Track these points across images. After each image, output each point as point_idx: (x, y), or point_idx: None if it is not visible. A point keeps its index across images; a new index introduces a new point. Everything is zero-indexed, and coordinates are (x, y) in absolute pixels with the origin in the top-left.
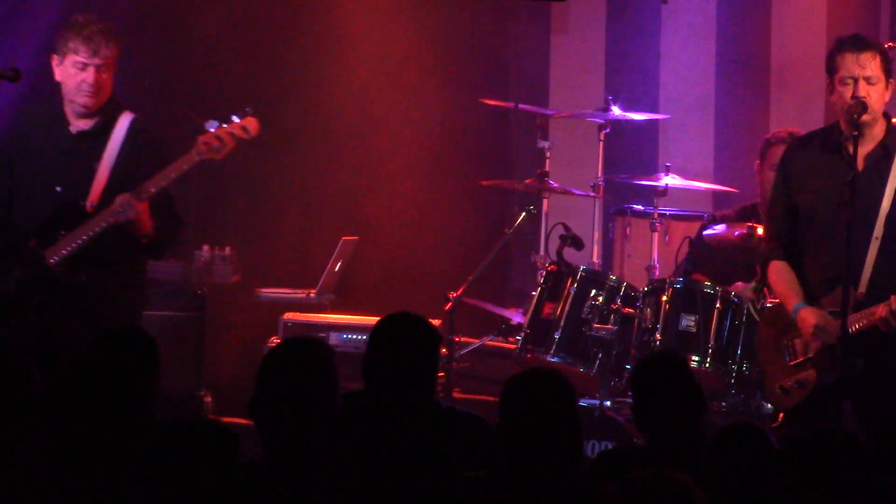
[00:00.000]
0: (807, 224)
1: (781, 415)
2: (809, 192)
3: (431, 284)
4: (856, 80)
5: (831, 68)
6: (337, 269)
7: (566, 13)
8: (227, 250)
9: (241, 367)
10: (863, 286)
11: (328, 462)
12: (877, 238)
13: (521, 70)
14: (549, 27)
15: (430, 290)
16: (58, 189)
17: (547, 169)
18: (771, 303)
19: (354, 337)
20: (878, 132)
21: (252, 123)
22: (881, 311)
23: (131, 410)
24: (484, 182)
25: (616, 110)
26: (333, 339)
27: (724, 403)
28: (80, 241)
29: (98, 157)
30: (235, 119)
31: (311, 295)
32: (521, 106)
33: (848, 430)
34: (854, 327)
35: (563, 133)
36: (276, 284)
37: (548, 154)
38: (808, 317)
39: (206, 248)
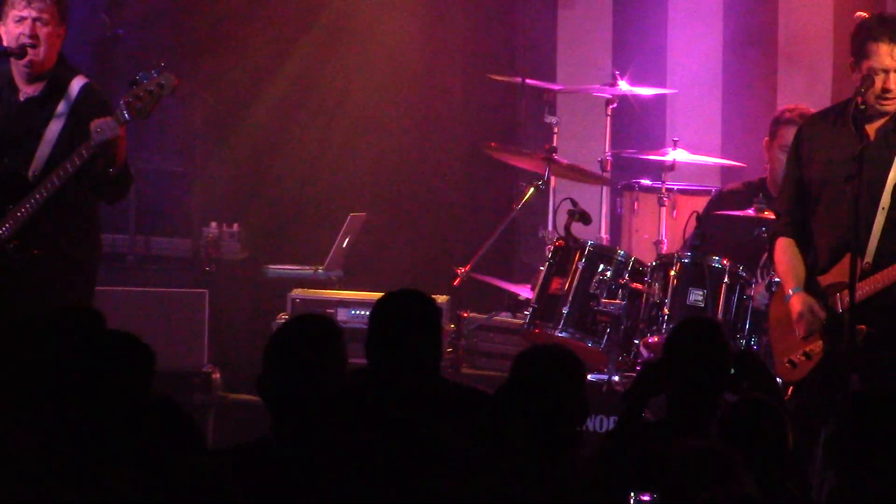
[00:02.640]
0: (816, 196)
1: (791, 389)
2: (818, 164)
3: (439, 260)
4: (888, 73)
5: (860, 52)
6: (345, 245)
7: None
8: (235, 227)
9: (249, 344)
10: (869, 256)
11: (335, 438)
12: (883, 208)
13: (528, 45)
14: (556, 2)
15: (437, 266)
16: (4, 161)
17: (554, 144)
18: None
19: (362, 313)
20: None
21: (167, 78)
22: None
23: (122, 414)
24: (492, 144)
25: (623, 85)
26: (342, 314)
27: None
28: (34, 203)
29: (45, 123)
30: (154, 75)
31: (319, 271)
32: (528, 81)
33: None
34: (859, 293)
35: (570, 108)
36: (283, 261)
37: (555, 129)
38: (795, 304)
39: (213, 224)
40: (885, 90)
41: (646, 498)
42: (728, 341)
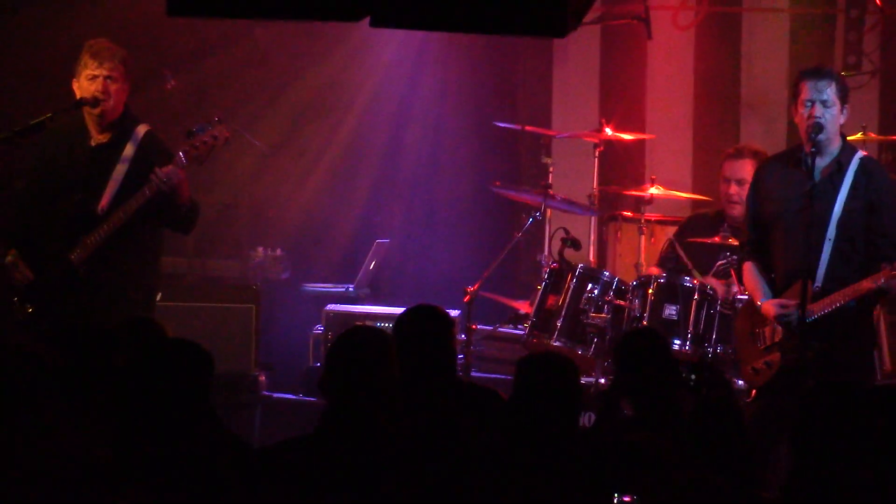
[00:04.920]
0: (772, 227)
1: (754, 391)
2: (774, 200)
3: (452, 280)
4: (812, 104)
5: (794, 93)
6: (372, 266)
7: (566, 48)
8: (278, 251)
9: (290, 350)
10: (819, 280)
11: (377, 431)
12: (830, 239)
13: (527, 97)
14: (552, 60)
15: (450, 285)
16: (78, 197)
17: (550, 181)
18: (746, 298)
19: (387, 325)
20: (834, 149)
21: (221, 131)
22: (867, 283)
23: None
24: (497, 183)
25: (609, 131)
26: None
27: None
28: (103, 233)
29: (113, 164)
30: (209, 128)
31: (350, 289)
32: (527, 128)
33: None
34: (821, 313)
35: (563, 150)
36: (319, 280)
37: (551, 169)
38: (769, 308)
39: (260, 249)
40: (810, 116)
41: (627, 499)
42: (668, 345)
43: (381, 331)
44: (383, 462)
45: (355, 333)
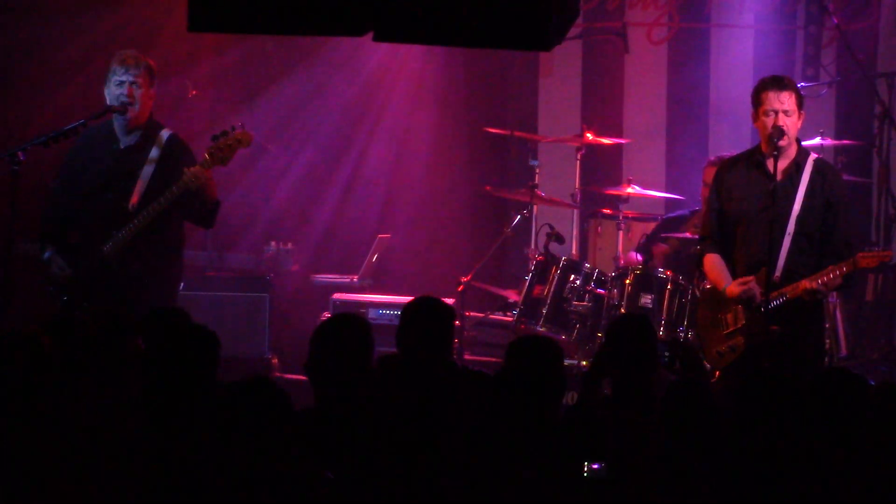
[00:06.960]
0: (735, 224)
1: (718, 373)
2: (737, 199)
3: (447, 271)
4: (776, 113)
5: (756, 101)
6: (374, 259)
7: (551, 60)
8: (290, 245)
9: (300, 336)
10: (779, 271)
11: (366, 408)
12: (789, 233)
13: (516, 105)
14: (538, 71)
15: (446, 276)
16: (109, 196)
17: (536, 182)
18: (708, 286)
19: (388, 312)
20: (791, 152)
21: (244, 135)
22: (805, 284)
23: (199, 385)
24: (487, 188)
25: (590, 136)
26: (371, 314)
27: None
28: (134, 228)
29: (141, 165)
30: (233, 131)
31: (355, 280)
32: (516, 133)
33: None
34: (776, 301)
35: (549, 154)
36: (327, 271)
37: (537, 170)
38: (733, 289)
39: (272, 243)
40: (775, 126)
41: (596, 466)
42: (654, 331)
43: (358, 318)
44: (367, 433)
45: (332, 322)
